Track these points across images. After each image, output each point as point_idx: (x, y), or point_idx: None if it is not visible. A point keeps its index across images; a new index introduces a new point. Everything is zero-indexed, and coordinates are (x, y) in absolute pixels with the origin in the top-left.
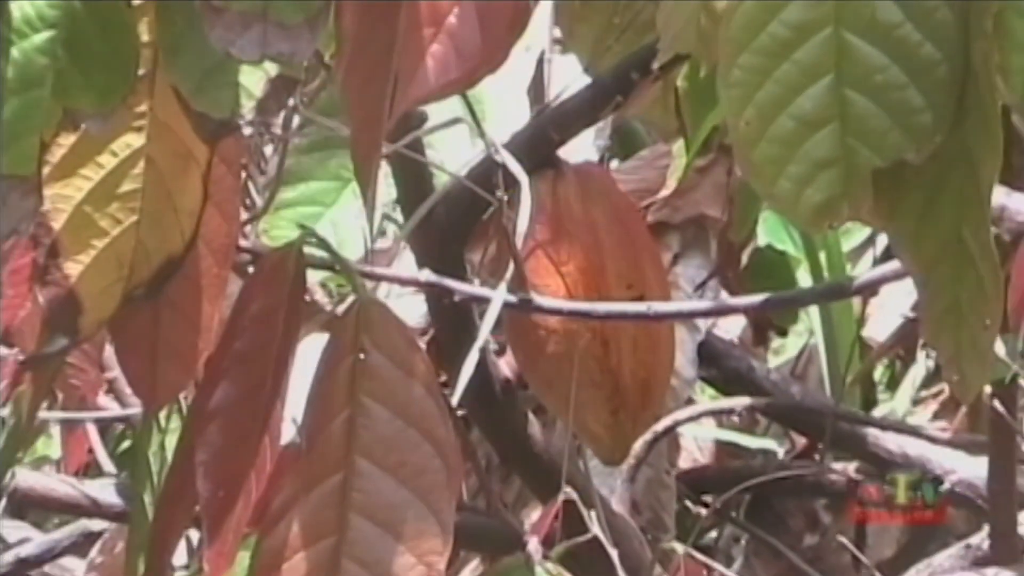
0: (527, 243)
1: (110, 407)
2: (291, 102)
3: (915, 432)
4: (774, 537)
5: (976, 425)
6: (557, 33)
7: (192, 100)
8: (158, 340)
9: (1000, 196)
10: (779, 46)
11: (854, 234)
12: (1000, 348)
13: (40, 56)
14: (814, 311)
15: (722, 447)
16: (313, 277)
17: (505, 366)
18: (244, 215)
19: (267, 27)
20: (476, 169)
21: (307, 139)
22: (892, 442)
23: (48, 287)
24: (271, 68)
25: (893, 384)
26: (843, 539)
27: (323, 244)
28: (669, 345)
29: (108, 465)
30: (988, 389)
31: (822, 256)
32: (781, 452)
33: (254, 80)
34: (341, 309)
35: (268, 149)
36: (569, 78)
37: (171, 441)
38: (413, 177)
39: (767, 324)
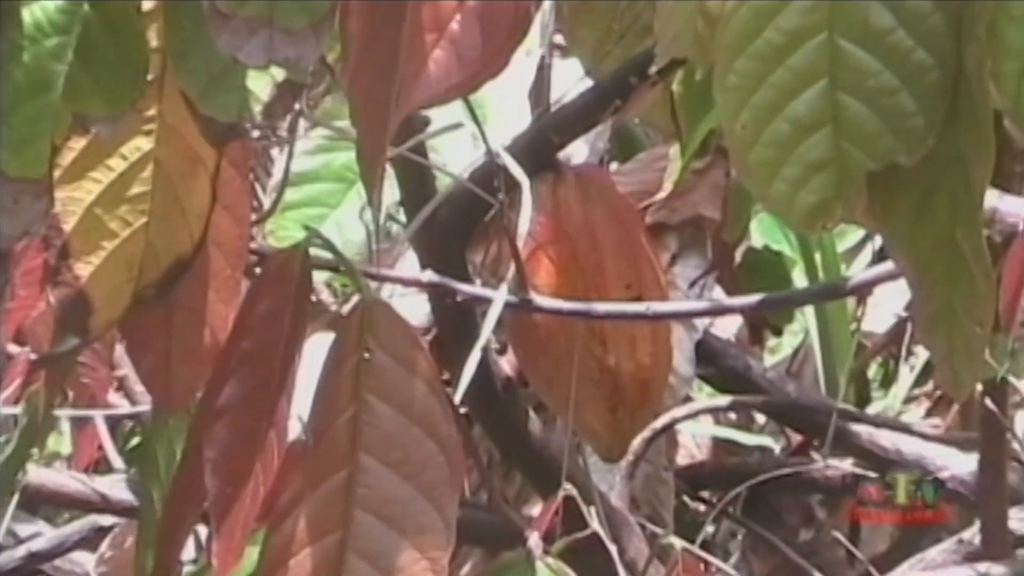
0: (528, 244)
1: (120, 405)
2: (297, 106)
3: (908, 429)
4: (770, 532)
5: (968, 422)
6: (557, 38)
7: (200, 104)
8: (171, 341)
9: (992, 198)
10: (774, 51)
11: (849, 235)
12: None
13: (51, 61)
14: (809, 310)
15: (719, 444)
16: (319, 277)
17: (506, 365)
18: (252, 216)
19: (273, 33)
20: (478, 171)
21: (312, 142)
22: (886, 439)
23: (59, 288)
24: (277, 73)
25: (887, 382)
26: (838, 534)
27: (328, 245)
28: (667, 344)
29: (118, 461)
30: (979, 388)
31: (817, 257)
32: (777, 449)
33: (261, 85)
34: (346, 309)
35: (274, 152)
36: (569, 82)
37: (179, 439)
38: (416, 179)
39: (763, 323)
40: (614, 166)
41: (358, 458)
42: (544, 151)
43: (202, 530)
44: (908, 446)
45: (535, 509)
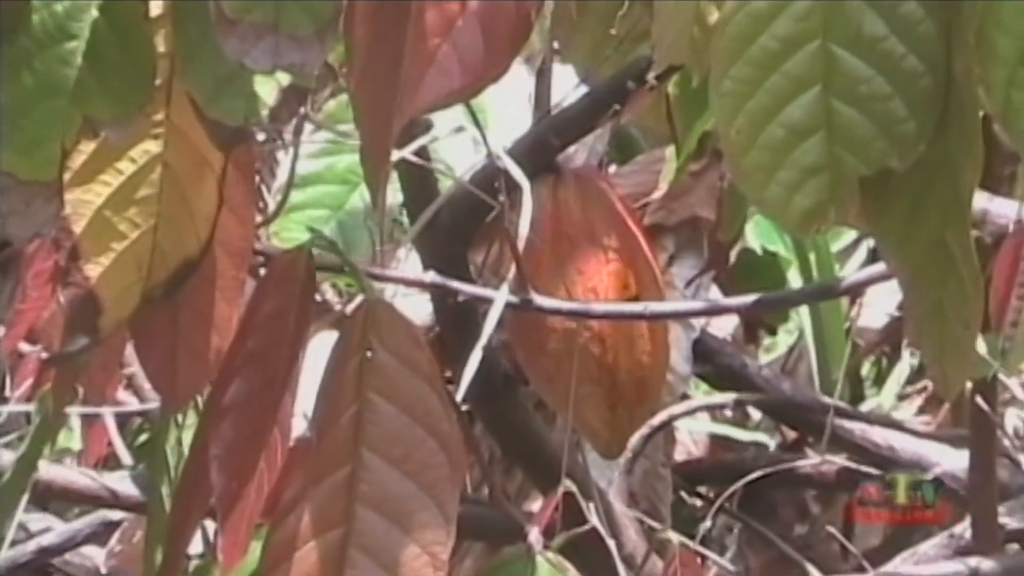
0: (528, 245)
1: (129, 402)
2: (302, 109)
3: (901, 426)
4: (765, 527)
5: (959, 419)
6: (557, 44)
7: (207, 108)
8: (178, 340)
9: (982, 201)
10: (769, 58)
11: (842, 236)
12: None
13: (61, 66)
14: (804, 310)
15: (716, 440)
16: (323, 277)
17: (507, 363)
18: (257, 218)
19: (279, 38)
20: (479, 174)
21: (317, 145)
22: (879, 436)
23: (70, 288)
24: (283, 77)
25: (880, 380)
26: (831, 529)
27: (332, 246)
28: (664, 343)
29: (126, 457)
30: (969, 385)
31: (812, 257)
32: (772, 445)
33: (267, 89)
34: (350, 309)
35: (280, 154)
36: (568, 87)
37: (188, 436)
38: (419, 182)
39: (759, 323)
40: (613, 168)
41: (361, 455)
42: (544, 154)
43: (209, 525)
44: (901, 443)
45: (535, 505)
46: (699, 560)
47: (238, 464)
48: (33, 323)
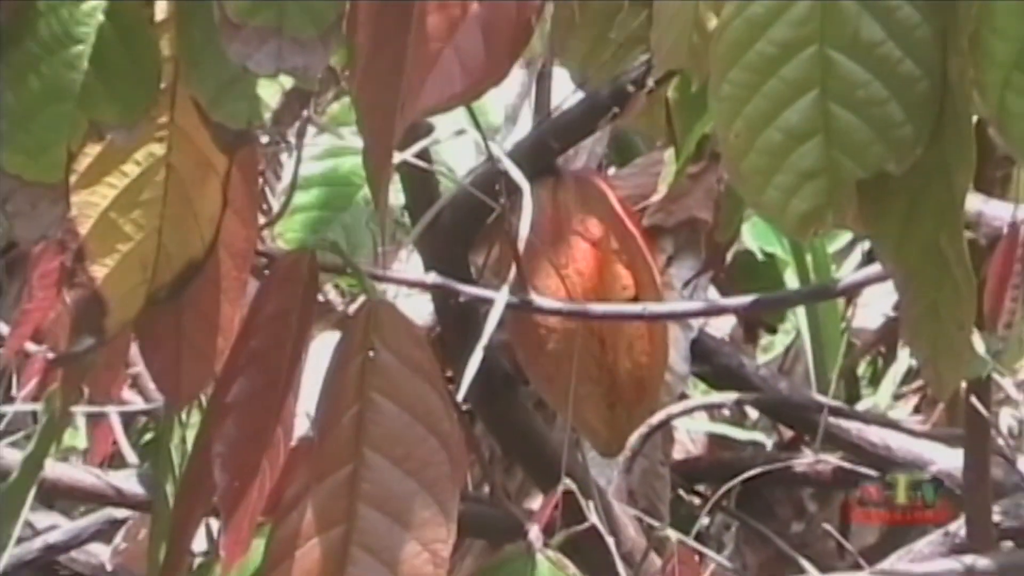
0: (528, 246)
1: (134, 401)
2: (305, 112)
3: (896, 425)
4: (763, 525)
5: (953, 419)
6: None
7: (211, 111)
8: (182, 340)
9: (977, 203)
10: (767, 62)
11: (839, 236)
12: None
13: (67, 70)
14: (800, 310)
15: (714, 439)
16: (326, 277)
17: (507, 363)
18: (260, 220)
19: (282, 42)
20: (480, 176)
21: (320, 147)
22: (875, 435)
23: (76, 289)
24: (286, 80)
25: (875, 380)
26: (828, 527)
27: (335, 248)
28: (663, 343)
29: (131, 456)
30: (964, 385)
31: (808, 258)
32: (770, 444)
33: (270, 92)
34: (352, 309)
35: (283, 156)
36: (568, 90)
37: (191, 434)
38: (420, 184)
39: (756, 323)
40: (612, 171)
41: (363, 454)
42: (544, 157)
43: (214, 523)
44: (896, 441)
45: (535, 503)
46: (697, 558)
47: (241, 462)
48: (39, 323)
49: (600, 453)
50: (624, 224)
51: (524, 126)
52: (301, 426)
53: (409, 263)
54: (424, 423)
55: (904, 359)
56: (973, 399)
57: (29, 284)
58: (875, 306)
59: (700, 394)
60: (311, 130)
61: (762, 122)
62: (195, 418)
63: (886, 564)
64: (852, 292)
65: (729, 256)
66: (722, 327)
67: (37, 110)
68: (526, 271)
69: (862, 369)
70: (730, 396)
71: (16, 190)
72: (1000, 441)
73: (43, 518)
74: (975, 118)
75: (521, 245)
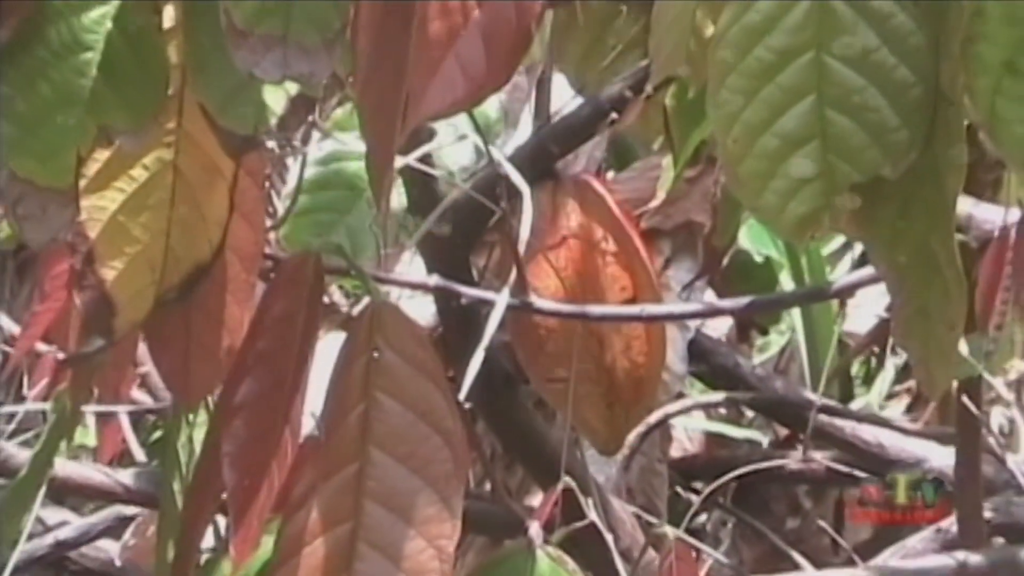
0: (528, 249)
1: (143, 400)
2: (310, 118)
3: (889, 424)
4: (758, 521)
5: (945, 417)
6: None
7: (218, 117)
8: (190, 341)
9: (967, 206)
10: (764, 69)
11: (832, 238)
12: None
13: (77, 77)
14: (795, 311)
15: (710, 437)
16: (331, 279)
17: (508, 363)
18: (267, 223)
19: (287, 50)
20: (481, 180)
21: (324, 151)
22: (868, 433)
23: (85, 291)
24: (291, 87)
25: (868, 379)
26: (822, 523)
27: (339, 250)
28: (660, 343)
29: (140, 454)
30: (955, 384)
31: (803, 261)
32: (765, 442)
33: (276, 98)
34: (356, 310)
35: (289, 161)
36: (567, 96)
37: (199, 434)
38: (422, 188)
39: (751, 323)
40: (611, 175)
41: (368, 452)
42: (544, 161)
43: (221, 520)
44: (889, 440)
45: (536, 500)
46: (694, 553)
47: (249, 461)
48: (49, 324)
49: (599, 451)
50: (623, 227)
51: (524, 131)
52: (307, 425)
53: (412, 265)
54: (428, 421)
55: (897, 359)
56: (964, 398)
57: (39, 286)
58: (868, 307)
59: (697, 393)
60: (316, 135)
61: (759, 127)
62: (202, 417)
63: (879, 560)
64: (845, 294)
65: (726, 258)
66: (719, 327)
67: (47, 116)
68: (526, 273)
69: (855, 369)
70: (727, 395)
71: (27, 194)
72: (991, 440)
73: (54, 515)
74: (965, 123)
75: (521, 248)
